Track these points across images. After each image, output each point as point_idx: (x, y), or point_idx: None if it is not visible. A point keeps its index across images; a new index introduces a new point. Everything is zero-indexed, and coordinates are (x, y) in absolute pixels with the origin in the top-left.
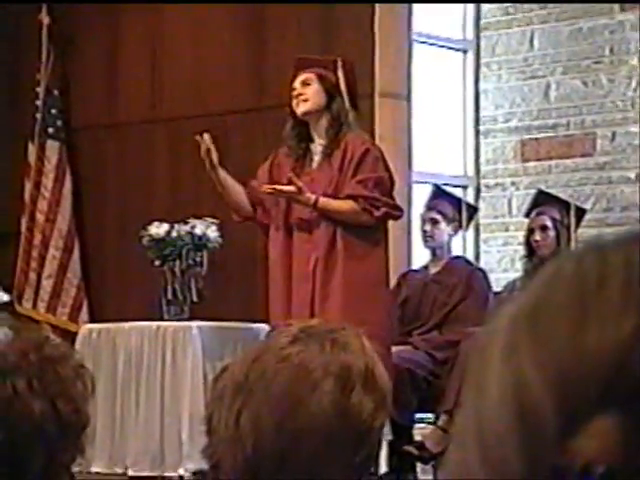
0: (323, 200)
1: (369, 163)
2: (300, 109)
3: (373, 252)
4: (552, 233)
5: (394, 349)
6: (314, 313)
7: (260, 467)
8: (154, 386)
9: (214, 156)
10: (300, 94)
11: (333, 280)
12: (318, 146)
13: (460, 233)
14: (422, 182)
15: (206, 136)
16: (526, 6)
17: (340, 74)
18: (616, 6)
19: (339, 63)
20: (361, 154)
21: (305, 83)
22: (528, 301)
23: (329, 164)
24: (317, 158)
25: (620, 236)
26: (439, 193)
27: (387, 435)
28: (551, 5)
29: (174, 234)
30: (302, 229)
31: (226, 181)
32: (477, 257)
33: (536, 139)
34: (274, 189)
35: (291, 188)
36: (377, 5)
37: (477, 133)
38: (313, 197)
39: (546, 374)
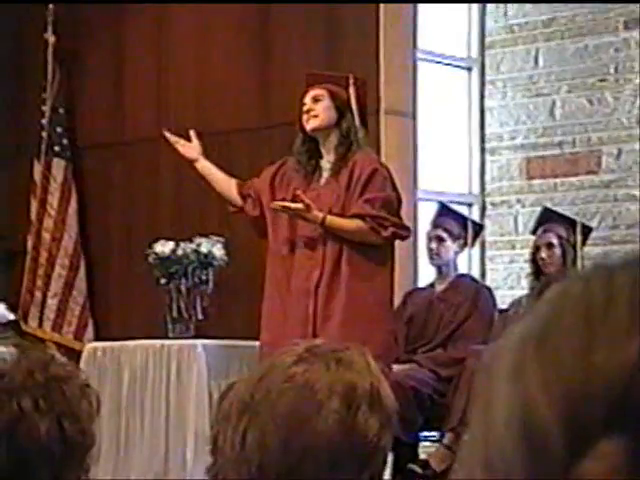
0: (331, 218)
1: (377, 182)
2: (310, 125)
3: (379, 272)
4: (558, 251)
5: (399, 367)
6: (315, 330)
7: None
8: (159, 404)
9: (180, 148)
10: (310, 110)
11: (336, 298)
12: (327, 163)
13: (466, 251)
14: (428, 200)
15: (167, 134)
16: (530, 24)
17: (351, 91)
18: (621, 24)
19: (351, 80)
20: (369, 173)
21: (316, 99)
22: (536, 322)
23: (336, 181)
24: (325, 175)
25: (627, 257)
26: (445, 211)
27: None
28: (556, 23)
29: (180, 252)
30: (306, 246)
31: (209, 174)
32: (483, 275)
33: (541, 157)
34: (282, 206)
35: (299, 205)
36: (382, 22)
37: (482, 151)
38: (321, 215)
39: (553, 396)
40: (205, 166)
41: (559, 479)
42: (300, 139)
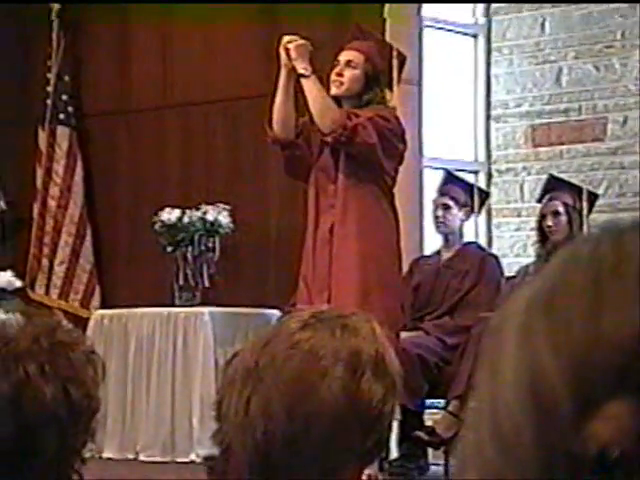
0: (316, 80)
1: (375, 115)
2: (333, 90)
3: (381, 208)
4: (564, 218)
5: (406, 335)
6: (332, 273)
7: (270, 452)
8: (165, 372)
9: (283, 57)
10: (340, 74)
11: (348, 240)
12: None
13: (472, 218)
14: (434, 168)
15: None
16: None
17: (395, 64)
18: None
19: (395, 52)
20: (372, 112)
21: (349, 63)
22: (544, 285)
23: None
24: None
25: (635, 221)
26: (451, 178)
27: (396, 415)
28: None
29: (186, 220)
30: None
31: (284, 91)
32: (489, 242)
33: (547, 124)
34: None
35: (303, 47)
36: None
37: (488, 118)
38: (311, 69)
39: (561, 358)
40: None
41: (568, 440)
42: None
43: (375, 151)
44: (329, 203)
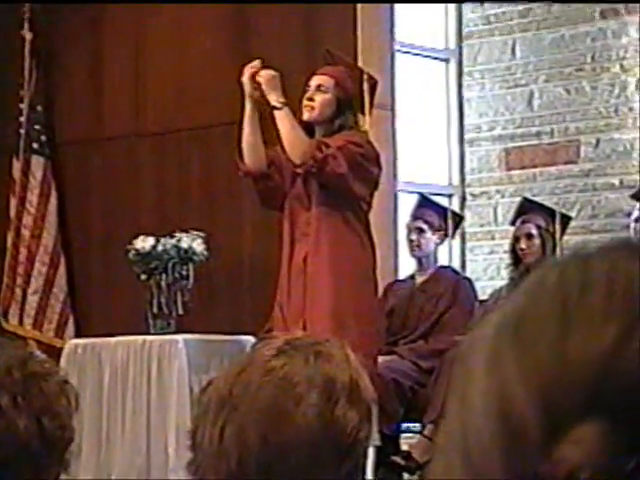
0: (289, 112)
1: (346, 141)
2: (305, 116)
3: (356, 237)
4: (537, 241)
5: (380, 359)
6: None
7: None
8: (140, 400)
9: (248, 88)
10: (311, 98)
11: (322, 268)
12: None
13: (446, 242)
14: (408, 192)
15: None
16: (507, 14)
17: (365, 87)
18: (597, 13)
19: (365, 76)
20: (343, 138)
21: (320, 88)
22: (512, 310)
23: None
24: None
25: (604, 244)
26: (425, 202)
27: (375, 441)
28: (532, 13)
29: (160, 248)
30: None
31: (251, 122)
32: (463, 266)
33: (520, 147)
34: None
35: (275, 79)
36: (360, 15)
37: (462, 142)
38: (280, 103)
39: (530, 383)
40: (256, 118)
41: (536, 465)
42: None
43: (346, 180)
44: (303, 232)
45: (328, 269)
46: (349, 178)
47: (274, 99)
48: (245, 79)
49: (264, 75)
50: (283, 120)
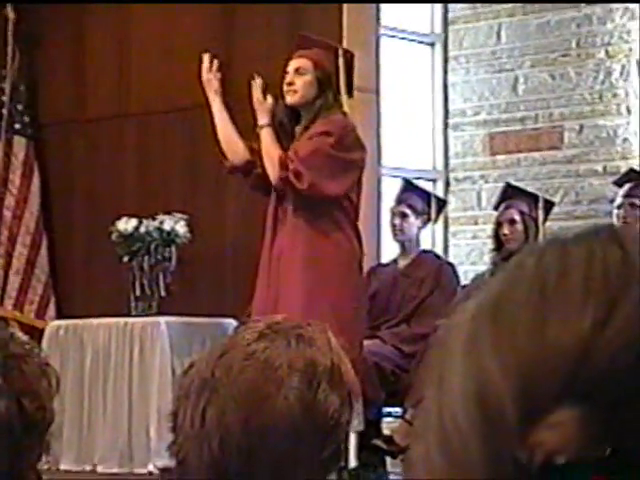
0: (266, 131)
1: (317, 137)
2: (288, 100)
3: (335, 232)
4: (520, 227)
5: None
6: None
7: (226, 464)
8: (122, 382)
9: (214, 84)
10: (291, 83)
11: (295, 262)
12: (297, 129)
13: (429, 226)
14: (392, 176)
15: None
16: None
17: (341, 63)
18: None
19: (340, 51)
20: (317, 133)
21: (298, 71)
22: (490, 295)
23: None
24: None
25: (582, 231)
26: (408, 187)
27: (359, 426)
28: None
29: (142, 230)
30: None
31: (222, 117)
32: (446, 250)
33: (504, 132)
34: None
35: (261, 104)
36: None
37: (446, 127)
38: (264, 122)
39: (507, 367)
40: (223, 110)
41: (514, 449)
42: (281, 105)
43: (313, 192)
44: (283, 220)
45: (300, 264)
46: (317, 186)
47: (262, 119)
48: (205, 77)
49: (259, 97)
50: (265, 138)
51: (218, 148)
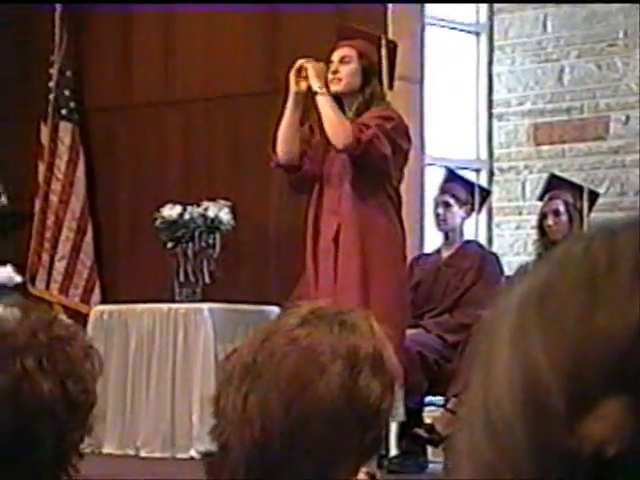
0: (328, 99)
1: (379, 118)
2: (333, 88)
3: (384, 221)
4: (565, 217)
5: (406, 332)
6: (337, 279)
7: (268, 449)
8: (165, 368)
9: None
10: (336, 71)
11: (352, 245)
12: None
13: (473, 216)
14: (435, 165)
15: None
16: None
17: (384, 52)
18: None
19: (383, 41)
20: (377, 116)
21: (343, 60)
22: (537, 283)
23: None
24: None
25: (630, 220)
26: (452, 176)
27: (400, 416)
28: None
29: (187, 216)
30: (330, 209)
31: (294, 118)
32: (489, 241)
33: (549, 122)
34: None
35: (314, 81)
36: None
37: (490, 116)
38: (320, 89)
39: (555, 357)
40: (299, 113)
41: (562, 440)
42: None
43: (388, 162)
44: (331, 210)
45: (358, 247)
46: (390, 160)
47: (317, 85)
48: (292, 73)
49: (313, 64)
50: (324, 105)
51: (272, 142)
